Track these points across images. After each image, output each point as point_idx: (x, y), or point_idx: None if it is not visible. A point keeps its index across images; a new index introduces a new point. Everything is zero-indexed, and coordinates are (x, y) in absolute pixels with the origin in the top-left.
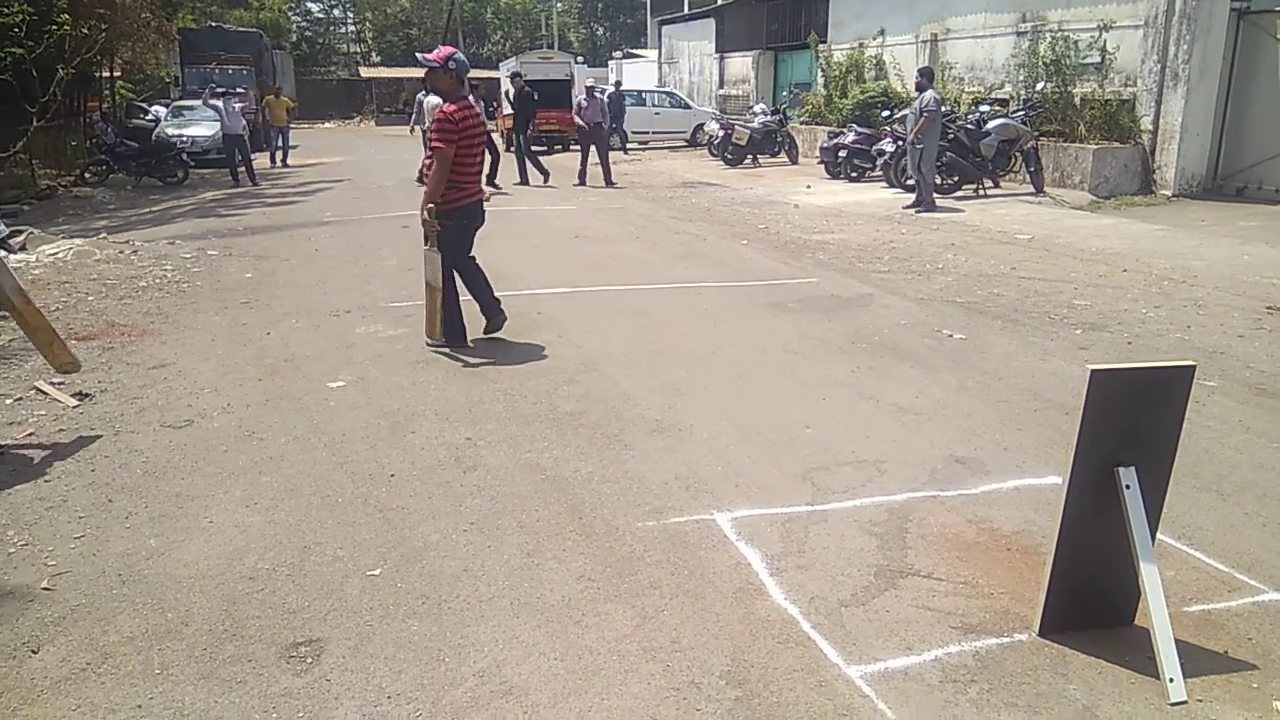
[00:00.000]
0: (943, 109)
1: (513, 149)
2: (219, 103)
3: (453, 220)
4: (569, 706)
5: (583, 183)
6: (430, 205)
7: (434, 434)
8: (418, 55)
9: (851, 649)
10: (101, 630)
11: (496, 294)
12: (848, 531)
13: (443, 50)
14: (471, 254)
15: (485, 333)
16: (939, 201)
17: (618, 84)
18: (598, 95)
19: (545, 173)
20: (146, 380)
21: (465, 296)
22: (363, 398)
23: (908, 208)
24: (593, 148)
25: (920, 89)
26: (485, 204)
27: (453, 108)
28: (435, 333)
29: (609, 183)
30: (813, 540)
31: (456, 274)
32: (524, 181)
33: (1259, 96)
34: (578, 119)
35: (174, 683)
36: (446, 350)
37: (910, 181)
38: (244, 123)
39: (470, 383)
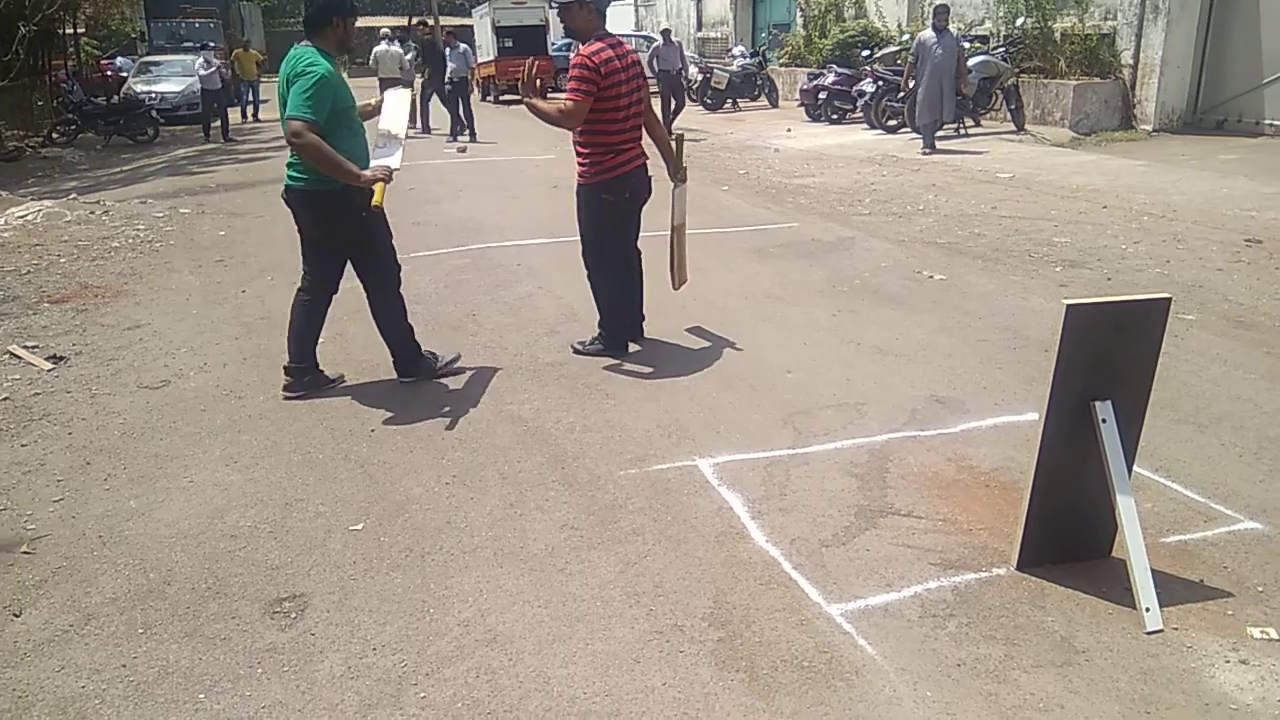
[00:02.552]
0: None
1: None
2: (202, 58)
3: (611, 193)
4: (553, 652)
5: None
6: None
7: (413, 388)
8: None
9: (832, 588)
10: (84, 591)
11: (477, 245)
12: (828, 473)
13: None
14: (637, 245)
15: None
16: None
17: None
18: (675, 40)
19: (471, 131)
20: (122, 341)
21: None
22: (341, 354)
23: (929, 152)
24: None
25: (941, 30)
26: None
27: (593, 47)
28: (682, 278)
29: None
30: (794, 483)
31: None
32: (425, 130)
33: (1239, 29)
34: (654, 66)
35: (158, 641)
36: (594, 349)
37: (892, 122)
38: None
39: (449, 336)
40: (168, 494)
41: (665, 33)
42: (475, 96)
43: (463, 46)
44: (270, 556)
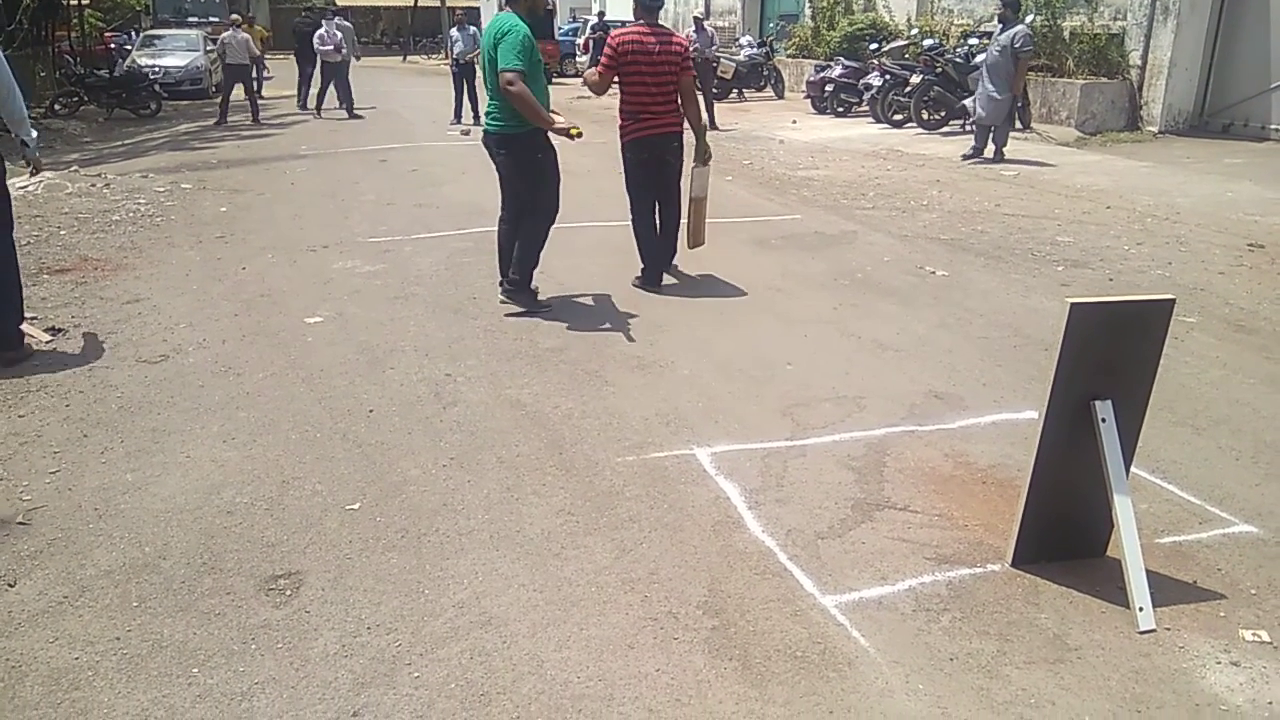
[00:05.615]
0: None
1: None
2: (227, 34)
3: (630, 152)
4: (547, 636)
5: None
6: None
7: (413, 370)
8: None
9: (827, 579)
10: (79, 564)
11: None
12: (826, 466)
13: None
14: (657, 198)
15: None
16: (927, 137)
17: (601, 14)
18: (708, 29)
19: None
20: (121, 315)
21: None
22: (341, 333)
23: (969, 157)
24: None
25: (1006, 22)
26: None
27: (618, 32)
28: (697, 240)
29: (713, 125)
30: (791, 474)
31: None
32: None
33: (1248, 32)
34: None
35: (152, 615)
36: (637, 282)
37: (898, 117)
38: (251, 54)
39: (450, 319)
40: (164, 469)
41: (698, 19)
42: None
43: (472, 28)
44: (266, 534)
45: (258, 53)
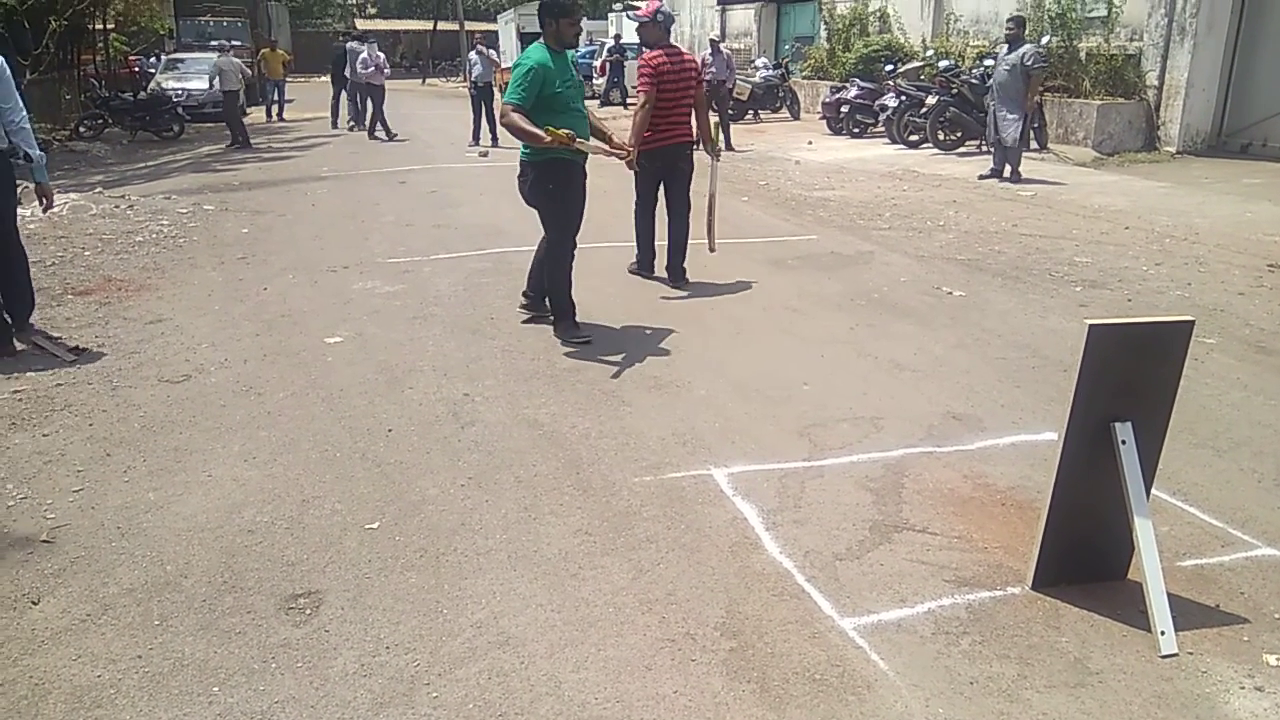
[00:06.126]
0: (954, 64)
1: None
2: (220, 58)
3: (646, 160)
4: (565, 657)
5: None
6: (631, 145)
7: (432, 390)
8: (628, 14)
9: (845, 602)
10: (101, 582)
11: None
12: (844, 487)
13: (651, 5)
14: (669, 205)
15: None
16: (943, 157)
17: (617, 38)
18: (724, 51)
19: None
20: (143, 335)
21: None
22: (360, 353)
23: (985, 177)
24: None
25: (1015, 41)
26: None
27: (650, 55)
28: (711, 244)
29: (729, 147)
30: (809, 495)
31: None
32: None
33: (1266, 52)
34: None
35: (173, 634)
36: (633, 266)
37: (914, 138)
38: (242, 80)
39: (468, 339)
40: (186, 488)
41: (714, 43)
42: (499, 101)
43: (490, 53)
44: (286, 553)
45: (250, 74)
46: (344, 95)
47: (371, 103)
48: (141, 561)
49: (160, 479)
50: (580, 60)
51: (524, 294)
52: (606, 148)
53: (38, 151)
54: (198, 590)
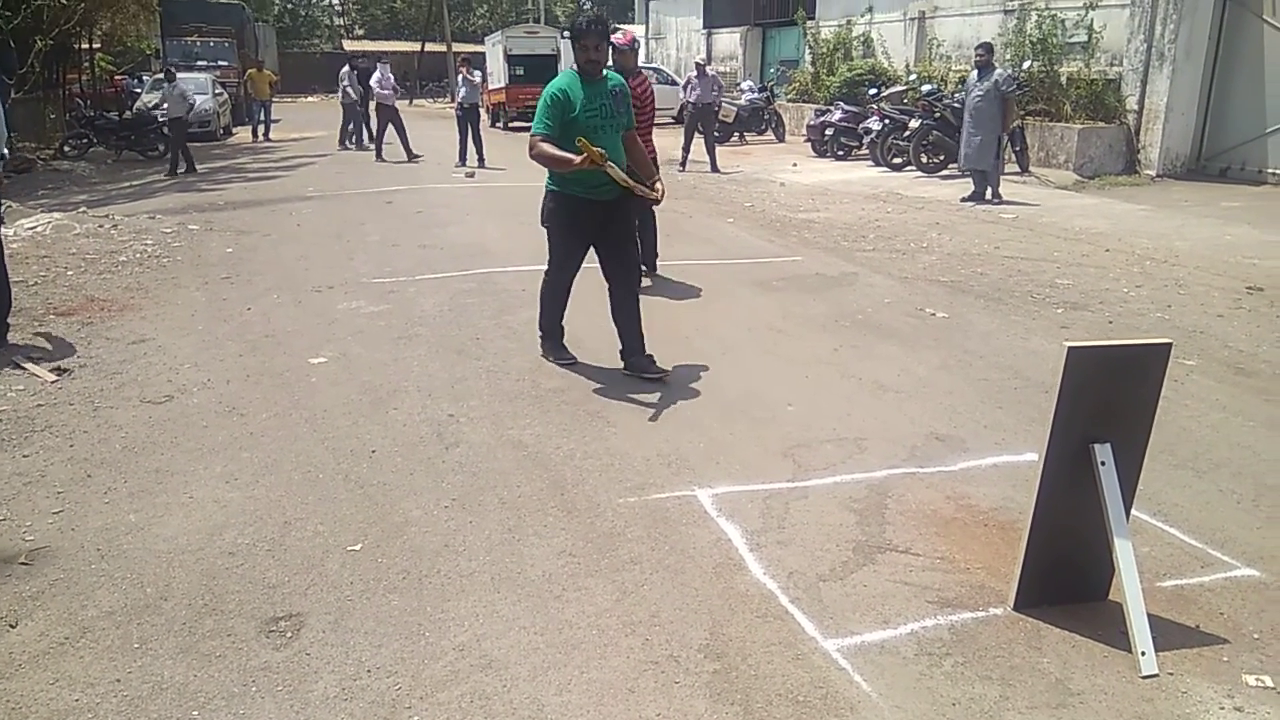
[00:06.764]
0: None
1: (498, 125)
2: (167, 86)
3: None
4: (548, 679)
5: (684, 168)
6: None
7: (416, 410)
8: (614, 40)
9: (829, 623)
10: (80, 605)
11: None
12: (827, 508)
13: (629, 35)
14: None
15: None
16: (926, 180)
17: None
18: (709, 74)
19: (480, 156)
20: (126, 355)
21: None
22: (344, 374)
23: (967, 200)
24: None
25: (985, 67)
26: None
27: (633, 82)
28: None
29: (714, 169)
30: (793, 516)
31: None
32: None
33: (1243, 77)
34: (683, 97)
35: (153, 657)
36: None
37: (897, 160)
38: (189, 105)
39: (453, 360)
40: (167, 509)
41: (700, 65)
42: (485, 122)
43: (476, 74)
44: (268, 575)
45: (195, 103)
46: (357, 116)
47: (391, 125)
48: (121, 584)
49: (141, 500)
50: None
51: (619, 353)
52: (632, 184)
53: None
54: (178, 613)
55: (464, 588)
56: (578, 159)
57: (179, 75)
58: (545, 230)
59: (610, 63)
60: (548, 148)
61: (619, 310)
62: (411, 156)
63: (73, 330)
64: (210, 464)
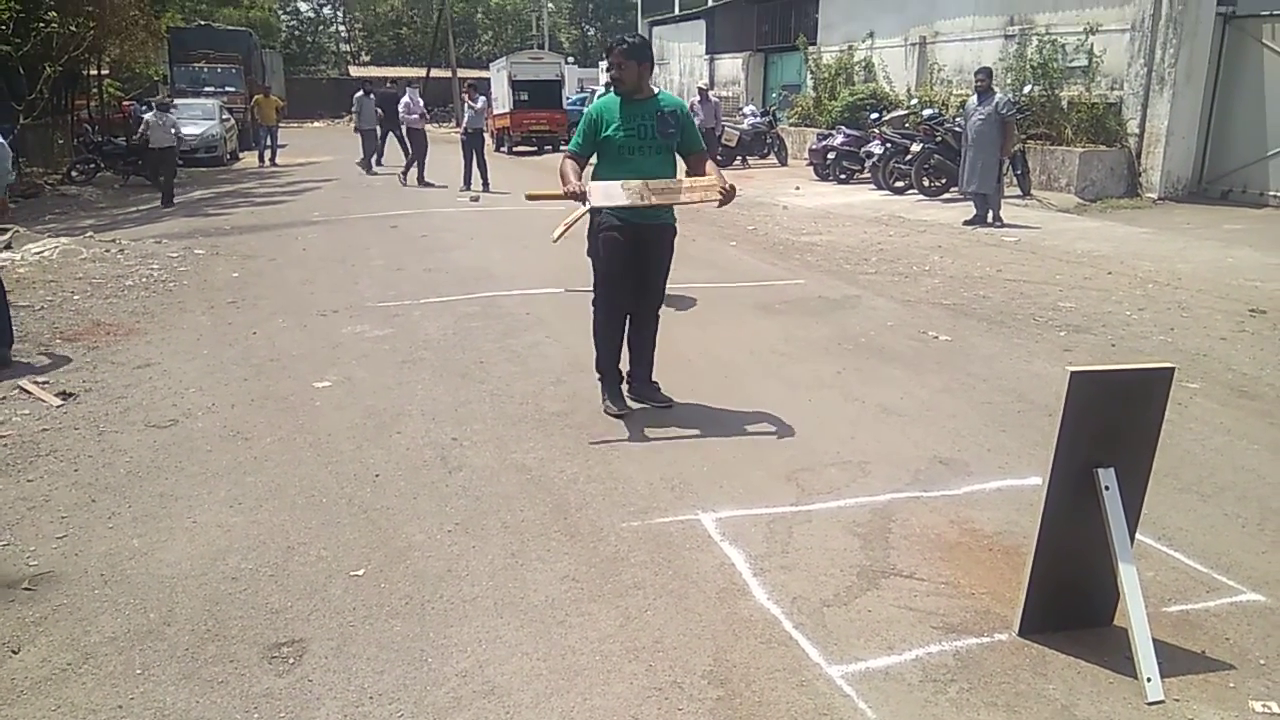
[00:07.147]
0: (937, 112)
1: (502, 149)
2: (151, 115)
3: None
4: (551, 706)
5: None
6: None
7: (420, 434)
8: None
9: (833, 649)
10: (83, 630)
11: (487, 293)
12: (831, 532)
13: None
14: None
15: None
16: (928, 203)
17: (608, 85)
18: (712, 99)
19: (485, 180)
20: (131, 380)
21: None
22: (349, 398)
23: (969, 223)
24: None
25: (985, 91)
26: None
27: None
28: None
29: None
30: (796, 540)
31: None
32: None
33: (1244, 100)
34: None
35: (155, 683)
36: None
37: (899, 184)
38: (176, 136)
39: (457, 383)
40: (171, 534)
41: (703, 90)
42: (490, 147)
43: (481, 99)
44: (270, 600)
45: (233, 122)
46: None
47: (414, 148)
48: (124, 609)
49: (145, 525)
50: (570, 108)
51: (625, 375)
52: (638, 196)
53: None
54: (180, 639)
55: (467, 613)
56: (565, 187)
57: (180, 102)
58: (590, 260)
59: (625, 80)
60: (564, 166)
61: (636, 334)
62: (422, 181)
63: (79, 354)
64: (214, 488)
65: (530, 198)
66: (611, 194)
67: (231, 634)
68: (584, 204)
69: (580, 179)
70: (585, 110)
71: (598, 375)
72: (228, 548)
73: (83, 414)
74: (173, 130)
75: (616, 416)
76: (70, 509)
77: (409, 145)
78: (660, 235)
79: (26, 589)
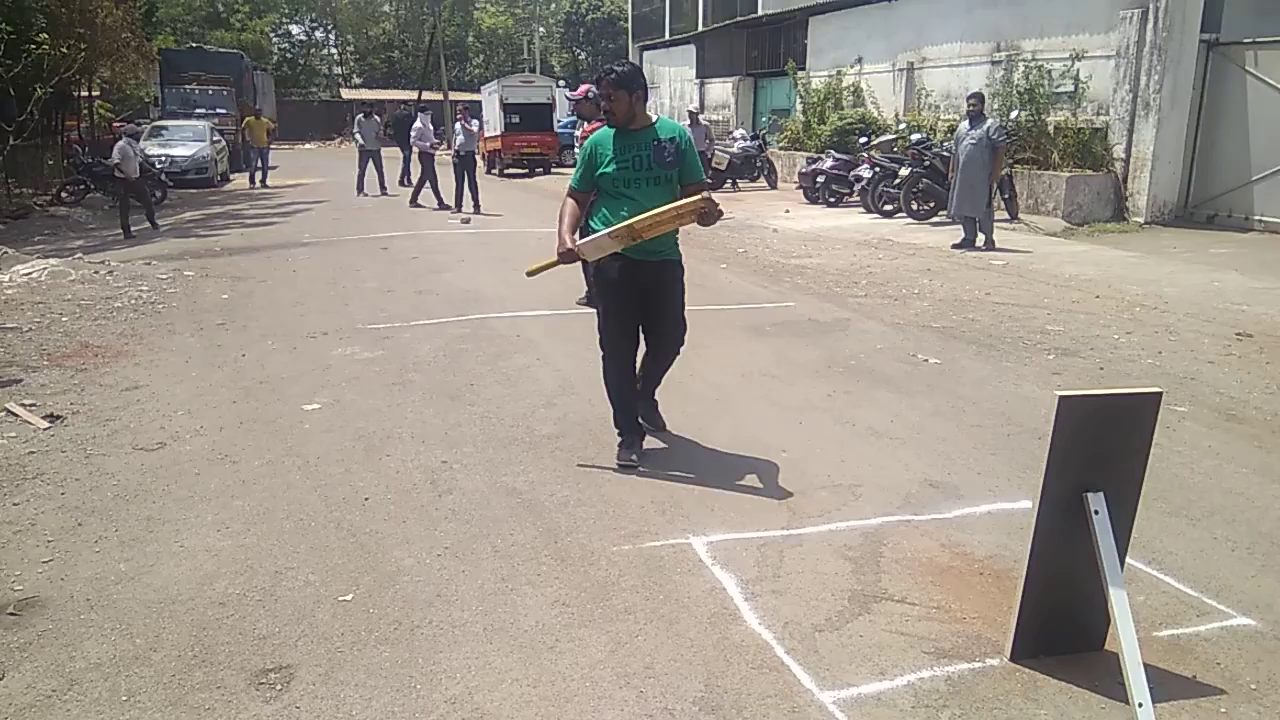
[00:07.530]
0: (925, 137)
1: (493, 171)
2: (124, 143)
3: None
4: None
5: None
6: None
7: (409, 457)
8: (568, 96)
9: (825, 674)
10: (69, 656)
11: (477, 315)
12: (822, 556)
13: (583, 88)
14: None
15: None
16: (917, 226)
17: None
18: (702, 123)
19: (476, 203)
20: (119, 402)
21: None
22: (338, 420)
23: (958, 247)
24: None
25: (977, 116)
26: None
27: (590, 126)
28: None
29: None
30: (787, 565)
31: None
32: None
33: (1228, 126)
34: None
35: (141, 710)
36: None
37: (888, 207)
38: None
39: (447, 406)
40: (158, 558)
41: (693, 114)
42: (481, 169)
43: (474, 122)
44: (258, 625)
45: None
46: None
47: (422, 171)
48: (110, 635)
49: (132, 549)
50: (562, 130)
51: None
52: (627, 232)
53: None
54: (167, 664)
55: (456, 639)
56: (558, 249)
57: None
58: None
59: (616, 112)
60: (564, 209)
61: (652, 359)
62: (414, 203)
63: (66, 376)
64: (202, 512)
65: (531, 274)
66: (601, 246)
67: (218, 660)
68: (581, 260)
69: (578, 223)
70: (583, 152)
71: (619, 434)
72: (215, 572)
73: (70, 436)
74: (137, 160)
75: (626, 466)
76: (57, 532)
77: (417, 168)
78: (659, 272)
79: (11, 614)
